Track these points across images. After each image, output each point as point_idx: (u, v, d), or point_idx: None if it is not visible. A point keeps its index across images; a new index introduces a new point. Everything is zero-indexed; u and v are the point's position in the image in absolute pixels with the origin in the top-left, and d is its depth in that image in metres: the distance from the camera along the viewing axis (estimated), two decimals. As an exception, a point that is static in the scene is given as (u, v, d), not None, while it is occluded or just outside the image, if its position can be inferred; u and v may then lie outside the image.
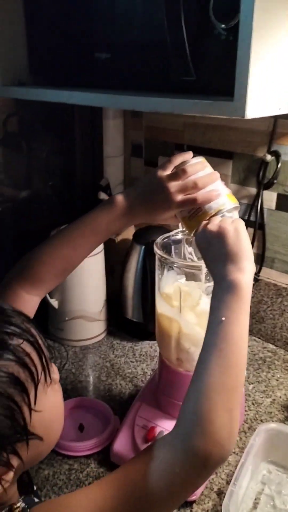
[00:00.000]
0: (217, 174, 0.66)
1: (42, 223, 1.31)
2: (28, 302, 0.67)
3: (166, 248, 0.78)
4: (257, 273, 1.09)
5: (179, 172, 0.64)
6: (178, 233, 0.78)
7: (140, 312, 1.15)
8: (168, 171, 0.66)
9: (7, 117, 1.21)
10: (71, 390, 1.00)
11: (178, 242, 0.80)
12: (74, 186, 1.27)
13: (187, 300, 0.73)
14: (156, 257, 0.75)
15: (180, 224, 0.74)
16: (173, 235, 0.77)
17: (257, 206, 1.04)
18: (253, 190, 1.05)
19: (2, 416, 0.43)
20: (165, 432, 0.76)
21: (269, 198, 1.04)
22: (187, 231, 0.69)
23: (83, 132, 1.20)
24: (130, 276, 1.15)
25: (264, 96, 0.60)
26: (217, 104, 0.60)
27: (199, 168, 0.65)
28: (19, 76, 0.91)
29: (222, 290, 0.54)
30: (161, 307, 0.76)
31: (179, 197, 0.64)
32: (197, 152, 0.70)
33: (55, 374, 0.54)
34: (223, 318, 0.51)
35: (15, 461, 0.46)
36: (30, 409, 0.46)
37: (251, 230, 1.06)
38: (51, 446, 0.54)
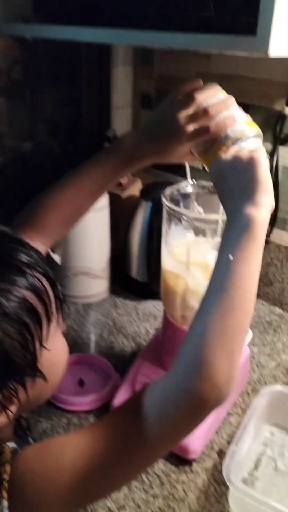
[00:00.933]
0: (232, 100, 0.59)
1: (46, 175, 1.27)
2: None
3: (175, 202, 0.74)
4: (267, 234, 1.05)
5: (188, 100, 0.58)
6: (188, 185, 0.73)
7: (144, 271, 1.12)
8: (175, 102, 0.60)
9: (11, 64, 1.15)
10: (72, 346, 0.97)
11: (187, 196, 0.76)
12: (79, 137, 1.22)
13: (195, 256, 0.70)
14: (164, 209, 0.70)
15: (188, 173, 0.69)
16: (182, 188, 0.73)
17: (272, 163, 0.99)
18: (268, 146, 1.00)
19: (16, 342, 0.43)
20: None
21: (285, 156, 0.99)
22: (207, 167, 0.62)
23: (90, 81, 1.14)
24: (135, 234, 1.11)
25: (290, 33, 0.54)
26: (238, 40, 0.55)
27: (210, 94, 0.58)
28: (22, 13, 0.85)
29: (234, 226, 0.48)
30: (168, 263, 0.72)
31: (190, 127, 0.58)
32: None
33: (62, 322, 0.53)
34: (231, 257, 0.46)
35: (21, 394, 0.45)
36: (41, 344, 0.46)
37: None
38: (51, 391, 0.53)
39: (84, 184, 0.63)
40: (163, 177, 1.22)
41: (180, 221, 0.72)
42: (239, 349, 0.46)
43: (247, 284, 0.47)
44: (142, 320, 1.07)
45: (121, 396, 0.77)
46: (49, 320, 0.47)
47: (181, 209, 0.69)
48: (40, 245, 0.64)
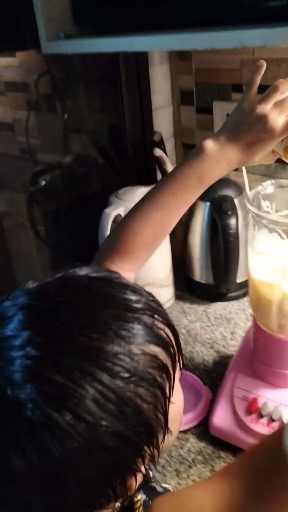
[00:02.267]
0: None
1: (92, 188, 1.24)
2: None
3: (256, 205, 0.69)
4: None
5: (271, 91, 0.55)
6: (268, 185, 0.69)
7: (209, 273, 1.09)
8: (256, 98, 0.56)
9: (38, 77, 1.12)
10: (151, 361, 0.95)
11: (266, 198, 0.71)
12: (123, 144, 1.18)
13: (286, 260, 0.66)
14: (250, 215, 0.66)
15: (245, 176, 0.65)
16: (262, 190, 0.69)
17: None
18: None
19: (151, 405, 0.39)
20: (270, 403, 0.72)
21: None
22: None
23: (130, 83, 1.10)
24: (195, 236, 1.08)
25: None
26: None
27: None
28: (63, 28, 0.81)
29: None
30: (258, 272, 0.68)
31: (280, 120, 0.54)
32: (260, 92, 0.59)
33: None
34: None
35: (156, 453, 0.42)
36: (169, 400, 0.42)
37: None
38: (173, 441, 0.50)
39: (168, 203, 0.60)
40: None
41: (264, 225, 0.68)
42: None
43: None
44: (215, 324, 1.04)
45: (220, 414, 0.74)
46: (174, 372, 0.43)
47: (272, 215, 0.65)
48: (129, 272, 0.61)
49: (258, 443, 0.46)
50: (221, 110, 1.11)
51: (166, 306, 1.10)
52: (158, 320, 0.43)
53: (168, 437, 0.44)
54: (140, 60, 1.09)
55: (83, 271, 0.44)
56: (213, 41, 0.60)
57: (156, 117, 1.18)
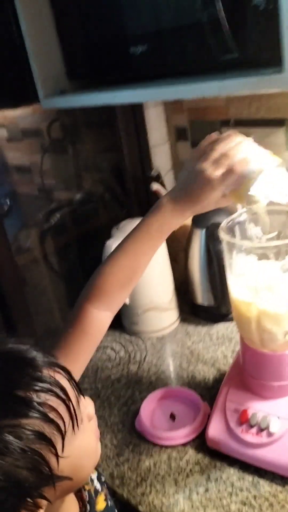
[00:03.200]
0: (248, 139, 0.65)
1: (100, 221, 1.34)
2: (100, 319, 0.70)
3: (231, 230, 0.77)
4: None
5: (207, 151, 0.64)
6: (242, 213, 0.76)
7: (210, 296, 1.15)
8: (197, 157, 0.65)
9: (50, 124, 1.24)
10: (156, 380, 1.02)
11: (242, 223, 0.78)
12: (124, 180, 1.28)
13: (262, 280, 0.72)
14: (224, 242, 0.74)
15: (235, 204, 0.73)
16: (236, 217, 0.76)
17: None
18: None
19: (27, 469, 0.44)
20: (258, 414, 0.77)
21: None
22: (241, 205, 0.69)
23: (127, 125, 1.20)
24: (194, 262, 1.15)
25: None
26: (266, 79, 0.59)
27: (227, 141, 0.64)
28: (58, 85, 0.92)
29: None
30: (236, 291, 0.75)
31: (216, 173, 0.63)
32: (245, 125, 0.69)
33: (90, 407, 0.55)
34: None
35: (43, 503, 0.47)
36: (57, 458, 0.47)
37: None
38: (84, 479, 0.57)
39: (135, 248, 0.68)
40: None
41: (239, 251, 0.75)
42: None
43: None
44: (217, 344, 1.09)
45: (214, 426, 0.80)
46: (63, 434, 0.48)
47: (241, 241, 0.72)
48: (105, 311, 0.70)
49: None
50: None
51: (171, 329, 1.18)
52: (42, 391, 0.47)
53: (69, 482, 0.49)
54: (136, 104, 1.19)
55: None
56: (180, 93, 0.69)
57: (155, 153, 1.28)
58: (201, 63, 0.70)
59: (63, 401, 0.49)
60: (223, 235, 0.72)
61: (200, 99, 1.17)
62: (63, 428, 0.48)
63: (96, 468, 0.66)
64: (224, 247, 0.75)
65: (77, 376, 0.62)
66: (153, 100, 1.14)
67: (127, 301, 1.13)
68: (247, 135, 0.66)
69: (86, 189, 1.34)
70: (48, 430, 0.46)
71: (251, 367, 0.80)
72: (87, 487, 0.63)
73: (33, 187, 1.32)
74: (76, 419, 0.50)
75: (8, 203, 1.23)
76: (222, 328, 1.14)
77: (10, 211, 1.23)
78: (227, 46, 0.65)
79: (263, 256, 0.75)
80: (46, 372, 0.49)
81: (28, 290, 1.15)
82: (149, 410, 0.90)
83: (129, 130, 1.21)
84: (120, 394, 0.99)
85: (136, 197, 1.27)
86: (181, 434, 0.83)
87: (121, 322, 1.20)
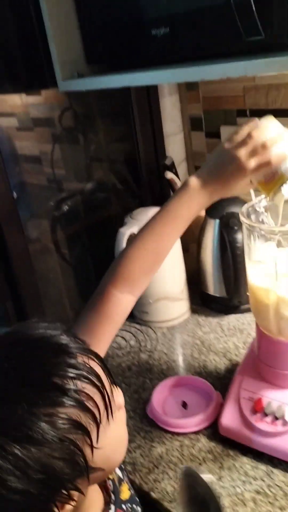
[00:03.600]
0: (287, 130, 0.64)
1: (112, 211, 1.33)
2: (123, 303, 0.69)
3: (248, 216, 0.76)
4: None
5: (246, 138, 0.63)
6: (261, 200, 0.75)
7: (222, 287, 1.14)
8: (234, 142, 0.64)
9: (62, 113, 1.23)
10: (167, 369, 1.01)
11: (258, 212, 0.77)
12: (138, 170, 1.27)
13: (281, 267, 0.71)
14: (244, 226, 0.73)
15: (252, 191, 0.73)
16: (256, 204, 0.75)
17: None
18: None
19: (63, 460, 0.43)
20: (273, 402, 0.76)
21: None
22: (265, 196, 0.68)
23: (142, 114, 1.19)
24: (207, 252, 1.14)
25: None
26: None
27: (266, 130, 0.63)
28: (77, 68, 0.92)
29: None
30: (255, 279, 0.74)
31: (252, 162, 0.63)
32: (261, 115, 0.67)
33: (120, 397, 0.53)
34: None
35: (75, 494, 0.46)
36: (92, 448, 0.46)
37: None
38: (113, 469, 0.57)
39: (161, 232, 0.68)
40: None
41: (259, 236, 0.74)
42: None
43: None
44: (228, 335, 1.09)
45: (228, 414, 0.79)
46: (98, 423, 0.46)
47: (261, 224, 0.72)
48: (128, 295, 0.69)
49: None
50: (228, 134, 1.18)
51: (182, 319, 1.17)
52: (78, 380, 0.45)
53: (101, 473, 0.49)
54: (151, 93, 1.18)
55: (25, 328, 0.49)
56: (203, 74, 0.68)
57: (169, 143, 1.27)
58: (225, 46, 0.69)
59: (98, 389, 0.47)
60: (243, 219, 0.71)
61: (218, 87, 1.15)
62: (98, 418, 0.46)
63: None
64: (244, 232, 0.74)
65: None
66: (174, 82, 1.13)
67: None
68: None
69: (97, 179, 1.33)
70: (84, 419, 0.45)
71: (266, 356, 0.79)
72: (111, 476, 0.62)
73: (43, 177, 1.31)
74: (111, 408, 0.49)
75: (16, 194, 1.22)
76: (233, 320, 1.14)
77: (18, 200, 1.23)
78: (254, 28, 0.64)
79: (279, 244, 0.74)
80: (81, 359, 0.47)
81: (38, 278, 1.14)
82: (161, 397, 0.90)
83: (144, 119, 1.20)
84: (130, 381, 0.99)
85: (149, 187, 1.26)
86: (194, 422, 0.82)
87: (132, 311, 1.19)
